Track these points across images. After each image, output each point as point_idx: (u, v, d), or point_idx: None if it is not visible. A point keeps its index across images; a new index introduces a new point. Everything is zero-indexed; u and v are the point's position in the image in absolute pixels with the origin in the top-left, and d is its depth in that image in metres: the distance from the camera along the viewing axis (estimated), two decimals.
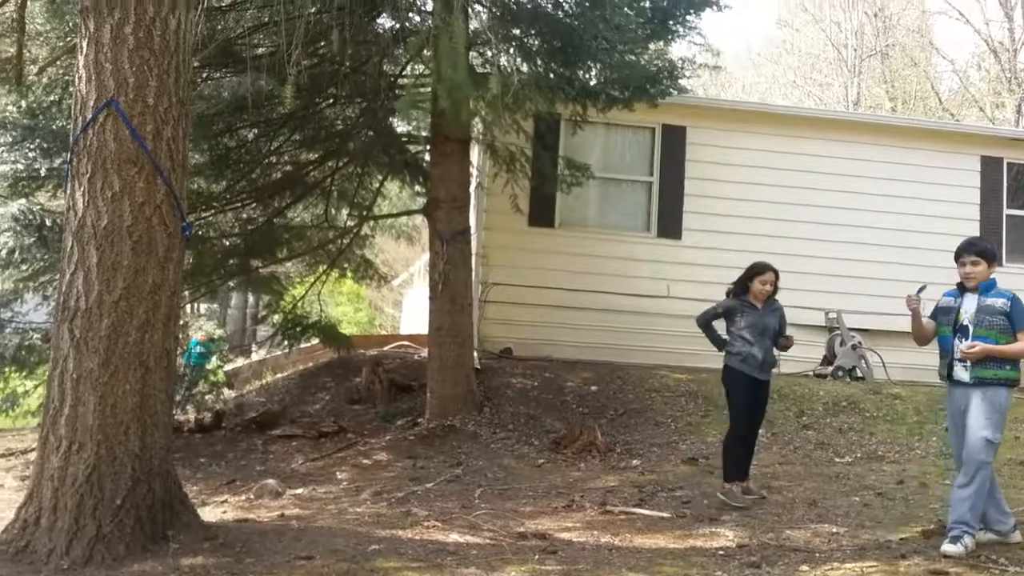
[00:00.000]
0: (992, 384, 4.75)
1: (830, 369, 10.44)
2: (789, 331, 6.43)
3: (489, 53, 7.79)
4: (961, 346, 4.81)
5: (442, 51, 6.17)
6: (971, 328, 4.83)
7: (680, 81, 9.25)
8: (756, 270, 6.28)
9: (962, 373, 4.86)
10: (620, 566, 4.57)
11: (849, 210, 11.07)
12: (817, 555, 4.80)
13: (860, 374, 10.42)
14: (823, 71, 28.70)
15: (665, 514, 5.92)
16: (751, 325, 6.13)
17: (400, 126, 9.66)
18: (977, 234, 10.83)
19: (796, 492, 6.41)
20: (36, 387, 8.44)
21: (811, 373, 10.46)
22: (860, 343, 10.49)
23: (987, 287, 4.87)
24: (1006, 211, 11.39)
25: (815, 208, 11.04)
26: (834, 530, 5.39)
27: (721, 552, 4.94)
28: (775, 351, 6.30)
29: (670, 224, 10.99)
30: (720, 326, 6.39)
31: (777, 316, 6.27)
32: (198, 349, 12.61)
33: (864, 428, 8.63)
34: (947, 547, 4.62)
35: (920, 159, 11.27)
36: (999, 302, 4.80)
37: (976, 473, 4.69)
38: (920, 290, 5.11)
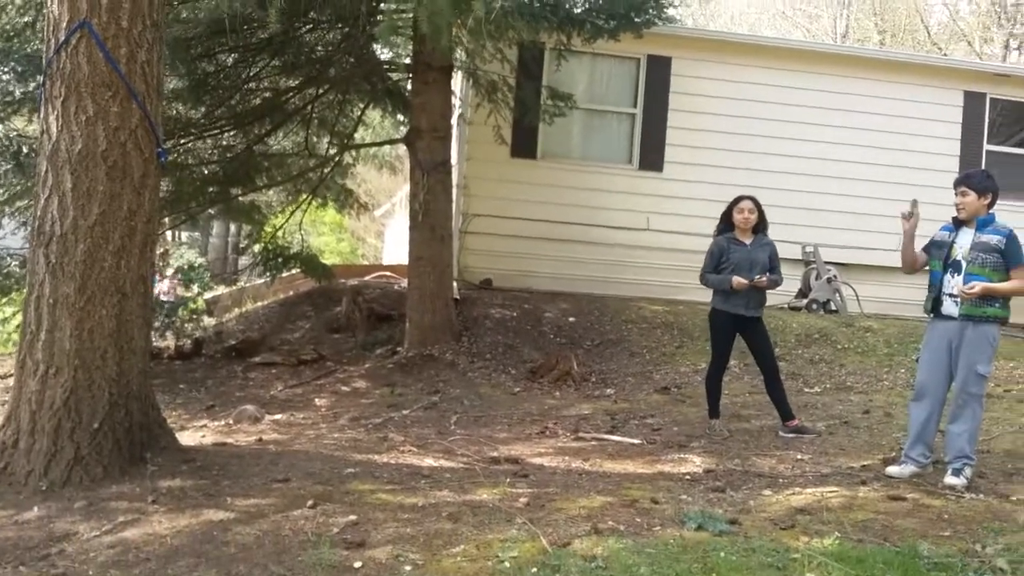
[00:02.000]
0: (982, 320, 4.77)
1: (804, 302, 10.59)
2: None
3: None
4: (961, 286, 4.76)
5: None
6: (964, 264, 4.80)
7: (667, 11, 9.16)
8: (733, 201, 6.33)
9: (951, 308, 4.85)
10: (589, 489, 4.70)
11: (830, 144, 11.10)
12: (780, 480, 4.96)
13: (834, 307, 10.58)
14: (813, 1, 28.30)
15: (635, 441, 6.08)
16: (738, 262, 6.16)
17: (382, 53, 9.54)
18: (956, 169, 10.91)
19: (764, 421, 6.58)
20: (15, 313, 8.46)
21: (786, 306, 10.60)
22: (835, 277, 10.62)
23: (984, 222, 4.82)
24: (986, 147, 11.44)
25: (797, 142, 11.05)
26: (799, 457, 5.55)
27: (688, 477, 5.09)
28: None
29: (652, 157, 10.99)
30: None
31: (767, 250, 6.28)
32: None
33: (835, 360, 8.81)
34: (950, 479, 4.72)
35: (903, 93, 11.25)
36: (994, 239, 4.75)
37: (968, 405, 4.77)
38: (913, 204, 5.04)
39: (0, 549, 3.77)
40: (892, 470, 5.01)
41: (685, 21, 20.83)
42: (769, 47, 11.46)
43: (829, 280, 10.60)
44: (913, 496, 4.53)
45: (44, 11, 5.37)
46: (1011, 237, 4.76)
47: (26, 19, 7.25)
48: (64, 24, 4.56)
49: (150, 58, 4.72)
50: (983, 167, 11.14)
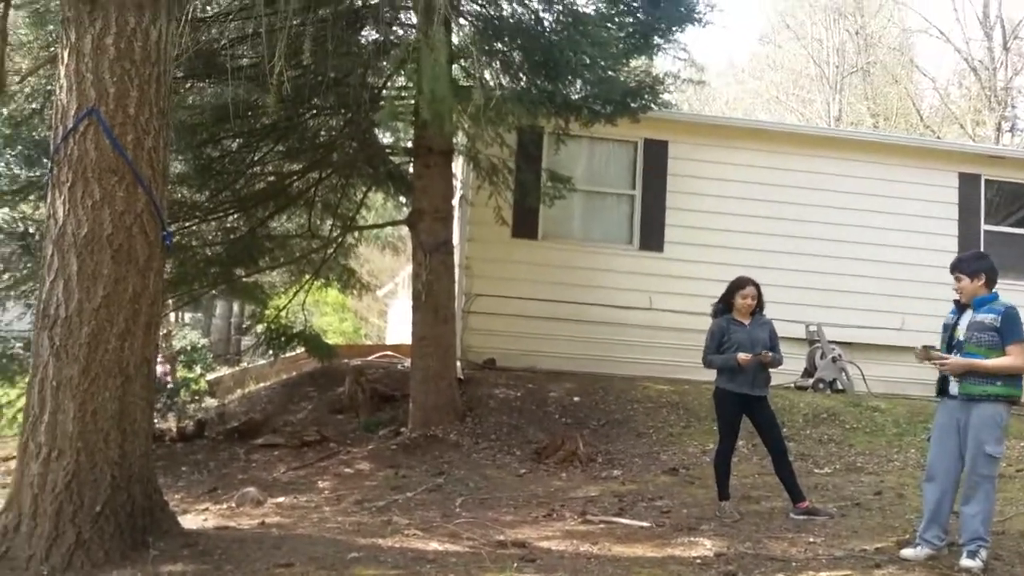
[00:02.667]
0: (983, 400, 4.76)
1: (811, 381, 10.53)
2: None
3: (472, 67, 7.86)
4: (942, 363, 4.84)
5: (424, 64, 6.22)
6: (964, 344, 4.85)
7: (662, 96, 9.38)
8: (737, 285, 6.34)
9: (954, 387, 4.88)
10: (598, 574, 4.60)
11: (830, 224, 11.19)
12: (793, 564, 4.86)
13: (840, 386, 10.52)
14: (805, 87, 28.98)
15: (645, 523, 5.96)
16: (740, 342, 6.15)
17: (384, 138, 9.71)
18: (955, 249, 11.00)
19: (775, 503, 6.46)
20: (19, 397, 8.41)
21: (792, 385, 10.54)
22: (840, 356, 10.59)
23: (981, 302, 4.88)
24: (984, 227, 11.53)
25: (796, 222, 11.15)
26: (811, 540, 5.44)
27: (699, 560, 4.98)
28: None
29: (652, 237, 11.08)
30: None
31: (767, 329, 6.29)
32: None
33: (844, 440, 8.70)
34: (965, 562, 4.66)
35: (899, 175, 11.41)
36: (989, 317, 4.80)
37: (980, 487, 4.72)
38: (922, 351, 5.07)
39: None
40: (907, 553, 4.93)
41: (681, 106, 21.27)
42: (764, 131, 11.70)
43: (834, 359, 10.57)
44: None
45: (52, 99, 5.50)
46: (1007, 315, 4.79)
47: (34, 106, 7.42)
48: (72, 111, 4.66)
49: (156, 144, 4.81)
50: (981, 247, 11.24)
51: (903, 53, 28.56)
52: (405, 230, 10.90)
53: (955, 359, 4.81)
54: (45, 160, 6.92)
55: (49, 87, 6.97)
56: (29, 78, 7.19)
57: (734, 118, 14.91)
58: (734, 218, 11.07)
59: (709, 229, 11.03)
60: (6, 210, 7.58)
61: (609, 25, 8.11)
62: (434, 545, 5.26)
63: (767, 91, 29.93)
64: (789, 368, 10.37)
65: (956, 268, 4.99)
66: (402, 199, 11.07)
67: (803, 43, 28.76)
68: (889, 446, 8.48)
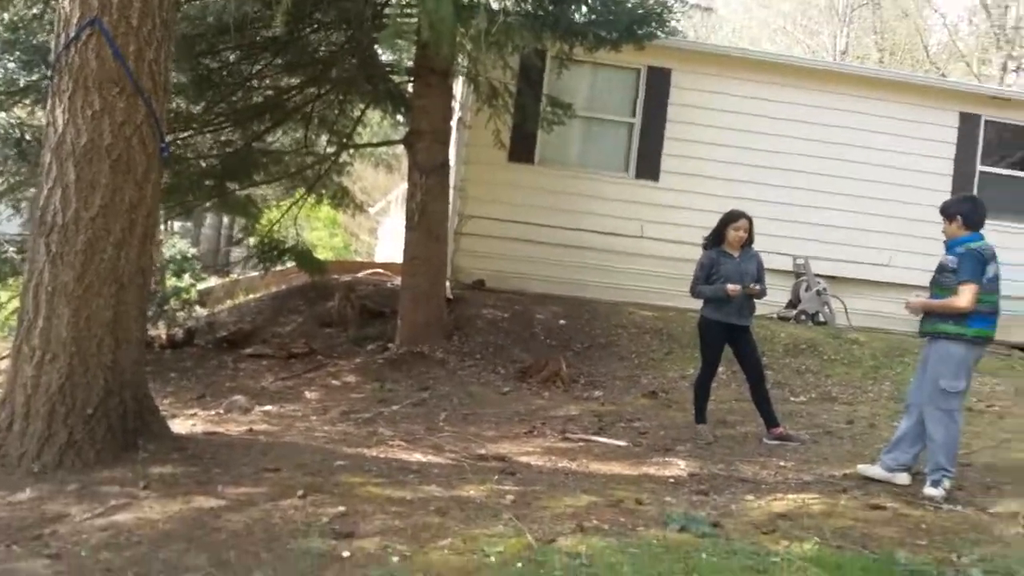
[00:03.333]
0: (938, 337, 4.98)
1: (794, 312, 10.70)
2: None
3: None
4: (908, 301, 5.13)
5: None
6: (930, 285, 5.10)
7: (669, 25, 9.26)
8: (730, 218, 6.42)
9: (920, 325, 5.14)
10: (574, 488, 4.80)
11: (825, 159, 11.20)
12: (763, 486, 5.06)
13: (823, 319, 10.69)
14: (814, 18, 28.50)
15: (622, 443, 6.18)
16: (728, 273, 6.28)
17: (384, 56, 9.61)
18: (949, 189, 11.07)
19: (749, 428, 6.67)
20: (11, 299, 8.51)
21: (775, 316, 10.70)
22: (825, 289, 10.74)
23: (953, 244, 5.02)
24: (979, 167, 11.55)
25: (792, 156, 11.15)
26: (782, 464, 5.65)
27: (672, 480, 5.19)
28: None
29: (649, 166, 11.09)
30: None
31: (754, 262, 6.42)
32: None
33: (821, 370, 8.90)
34: (928, 490, 4.86)
35: (899, 112, 11.37)
36: (950, 259, 4.97)
37: (939, 420, 4.92)
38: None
39: None
40: (862, 467, 5.26)
41: (687, 33, 20.93)
42: (768, 62, 11.58)
43: (818, 292, 10.71)
44: (893, 505, 4.63)
45: (51, 9, 5.45)
46: (963, 256, 4.90)
47: (33, 11, 7.33)
48: (75, 20, 4.65)
49: (158, 56, 4.81)
50: (975, 187, 11.30)
51: None
52: (399, 148, 10.87)
53: (913, 299, 5.09)
54: (43, 66, 6.88)
55: None
56: None
57: (739, 48, 14.66)
58: (731, 150, 11.07)
59: (706, 160, 11.04)
60: (2, 115, 7.55)
61: None
62: (417, 456, 5.45)
63: (774, 20, 29.45)
64: (773, 299, 10.58)
65: (940, 210, 5.13)
66: (400, 118, 11.01)
67: None
68: (865, 378, 8.69)
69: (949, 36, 27.45)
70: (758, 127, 11.11)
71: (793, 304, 10.88)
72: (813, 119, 11.22)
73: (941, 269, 5.02)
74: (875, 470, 5.17)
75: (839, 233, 11.21)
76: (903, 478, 5.09)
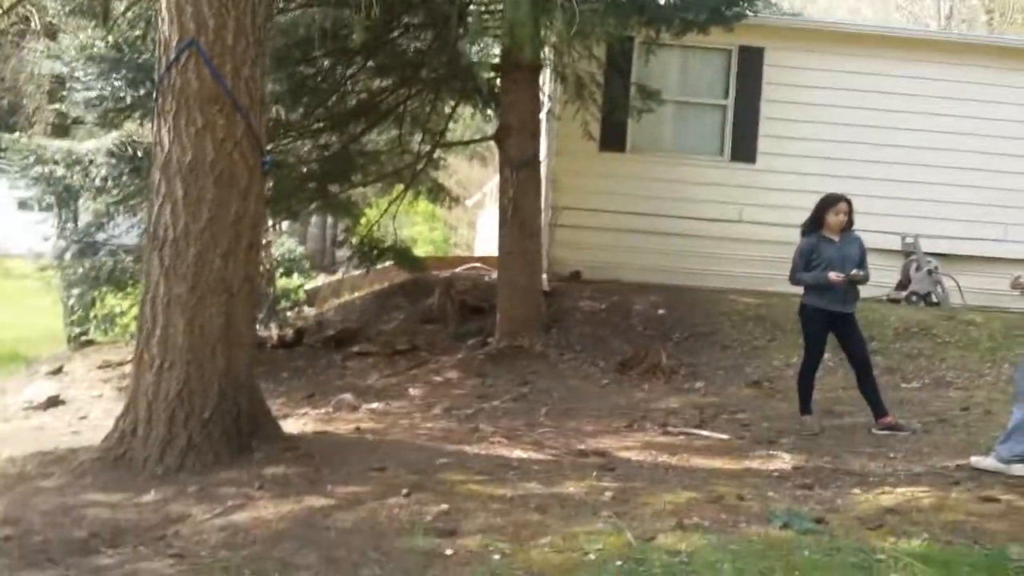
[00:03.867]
0: None
1: (904, 294, 10.34)
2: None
3: None
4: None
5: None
6: None
7: (757, 3, 9.05)
8: (828, 202, 6.22)
9: None
10: (675, 484, 4.78)
11: (930, 132, 10.75)
12: (871, 479, 4.92)
13: (935, 299, 10.30)
14: None
15: (724, 436, 6.11)
16: (830, 259, 6.10)
17: (472, 54, 9.71)
18: None
19: (857, 418, 6.49)
20: (131, 307, 8.98)
21: (885, 298, 10.37)
22: (936, 268, 10.34)
23: None
24: None
25: (894, 131, 10.74)
26: (891, 455, 5.48)
27: (776, 474, 5.10)
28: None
29: (744, 148, 10.87)
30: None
31: (856, 245, 6.22)
32: None
33: (935, 354, 8.58)
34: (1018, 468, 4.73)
35: (1005, 79, 10.79)
36: None
37: None
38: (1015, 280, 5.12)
39: (121, 530, 4.09)
40: (975, 459, 5.04)
41: (781, 5, 20.35)
42: (863, 34, 11.19)
43: (930, 272, 10.33)
44: (1007, 498, 4.45)
45: (153, 28, 5.71)
46: None
47: (137, 32, 7.70)
48: (174, 43, 4.89)
49: (253, 73, 5.01)
50: None
51: None
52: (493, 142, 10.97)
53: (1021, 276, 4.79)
54: (148, 82, 7.22)
55: (150, 13, 7.22)
56: (132, 5, 7.44)
57: (832, 22, 14.22)
58: (831, 127, 10.74)
59: (804, 139, 10.75)
60: (116, 133, 7.98)
61: None
62: (518, 452, 5.52)
63: None
64: (883, 280, 10.24)
65: None
66: (490, 112, 11.11)
67: None
68: (982, 361, 8.34)
69: None
70: (858, 102, 10.74)
71: (903, 285, 10.51)
72: (915, 91, 10.77)
73: None
74: (989, 462, 4.95)
75: (949, 208, 10.75)
76: (1019, 469, 4.87)
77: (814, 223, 6.26)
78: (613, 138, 10.56)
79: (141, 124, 8.76)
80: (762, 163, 10.82)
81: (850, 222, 6.23)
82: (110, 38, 7.70)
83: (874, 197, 10.17)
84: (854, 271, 6.05)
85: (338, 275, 14.92)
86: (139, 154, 7.77)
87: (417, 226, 26.88)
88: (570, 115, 9.55)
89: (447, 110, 10.80)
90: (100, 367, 9.67)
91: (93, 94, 8.00)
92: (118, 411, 5.27)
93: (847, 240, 6.22)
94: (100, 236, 8.91)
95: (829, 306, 6.14)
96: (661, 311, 9.61)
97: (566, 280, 10.48)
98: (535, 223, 9.02)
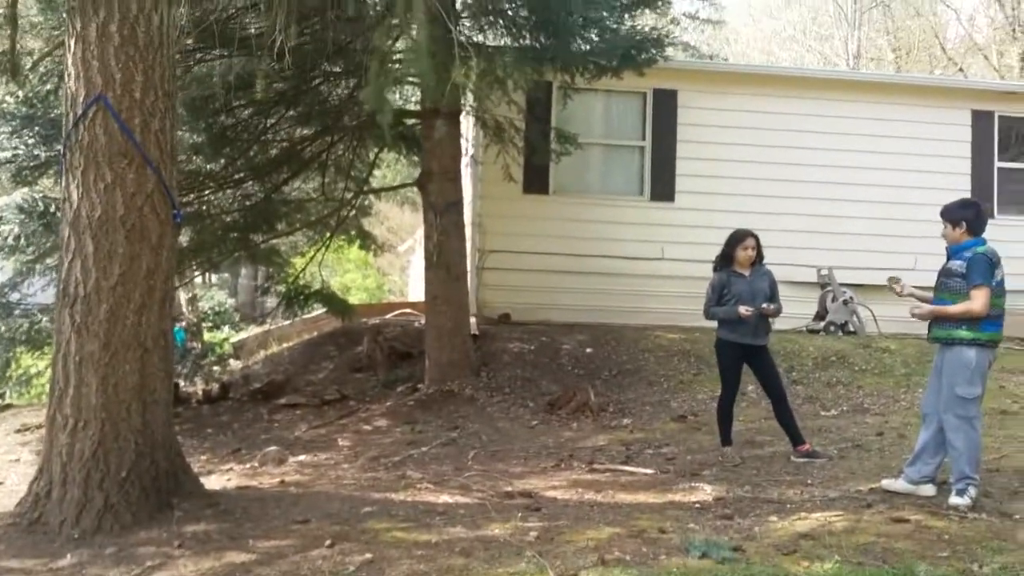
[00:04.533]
0: (951, 343, 4.96)
1: (822, 324, 10.64)
2: (781, 290, 6.52)
3: (475, 28, 7.94)
4: (913, 309, 5.08)
5: (410, 47, 6.29)
6: (935, 290, 5.10)
7: (668, 49, 9.36)
8: (736, 238, 6.43)
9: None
10: (598, 520, 4.83)
11: (841, 167, 11.21)
12: (788, 506, 5.05)
13: (852, 329, 10.62)
14: (824, 24, 28.43)
15: (649, 471, 6.19)
16: (740, 293, 6.28)
17: (394, 101, 9.79)
18: (968, 187, 11.00)
19: (778, 447, 6.63)
20: (47, 367, 8.74)
21: (804, 329, 10.66)
22: (852, 298, 10.68)
23: (957, 250, 5.03)
24: (997, 164, 11.49)
25: (806, 167, 11.18)
26: (808, 482, 5.63)
27: (697, 505, 5.20)
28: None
29: (663, 187, 11.16)
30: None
31: (766, 280, 6.40)
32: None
33: (852, 382, 8.86)
34: (954, 499, 4.82)
35: (910, 115, 11.37)
36: (956, 264, 4.97)
37: (958, 428, 4.89)
38: (890, 281, 5.42)
39: None
40: (885, 482, 5.22)
41: (700, 47, 20.99)
42: (772, 75, 11.69)
43: (845, 302, 10.66)
44: (916, 518, 4.61)
45: (63, 84, 5.67)
46: (972, 260, 4.91)
47: (48, 87, 7.61)
48: (81, 98, 4.86)
49: (163, 126, 5.00)
50: (995, 184, 11.22)
51: None
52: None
53: (923, 307, 5.05)
54: (61, 139, 7.11)
55: (62, 67, 7.13)
56: (42, 60, 7.36)
57: (741, 64, 14.82)
58: (744, 165, 11.12)
59: (720, 177, 11.10)
60: (25, 190, 7.83)
61: None
62: (444, 498, 5.52)
63: (784, 30, 29.44)
64: (800, 312, 10.54)
65: (941, 215, 5.13)
66: (415, 158, 11.20)
67: None
68: (897, 386, 8.63)
69: (965, 29, 27.24)
70: (769, 140, 11.15)
71: (821, 316, 10.82)
72: (825, 128, 11.24)
73: (948, 274, 5.00)
74: (900, 484, 5.14)
75: (862, 240, 11.17)
76: (928, 489, 5.06)
77: (724, 259, 6.46)
78: (536, 181, 10.74)
79: (56, 181, 8.62)
80: (681, 201, 11.12)
81: (759, 256, 6.43)
82: (20, 93, 7.59)
83: (790, 231, 10.55)
84: (764, 305, 6.24)
85: (266, 326, 14.74)
86: (52, 209, 7.64)
87: (350, 273, 26.73)
88: (492, 159, 9.70)
89: (370, 157, 10.85)
90: (18, 431, 9.34)
91: (6, 153, 7.88)
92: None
93: (757, 274, 6.41)
94: (14, 296, 8.71)
95: (741, 339, 6.31)
96: (589, 350, 9.73)
97: (495, 323, 10.55)
98: (461, 267, 9.10)
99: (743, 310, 6.16)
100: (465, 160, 10.25)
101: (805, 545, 4.20)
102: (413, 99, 10.32)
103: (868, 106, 11.34)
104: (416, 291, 21.38)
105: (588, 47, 8.28)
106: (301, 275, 11.05)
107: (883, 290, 10.79)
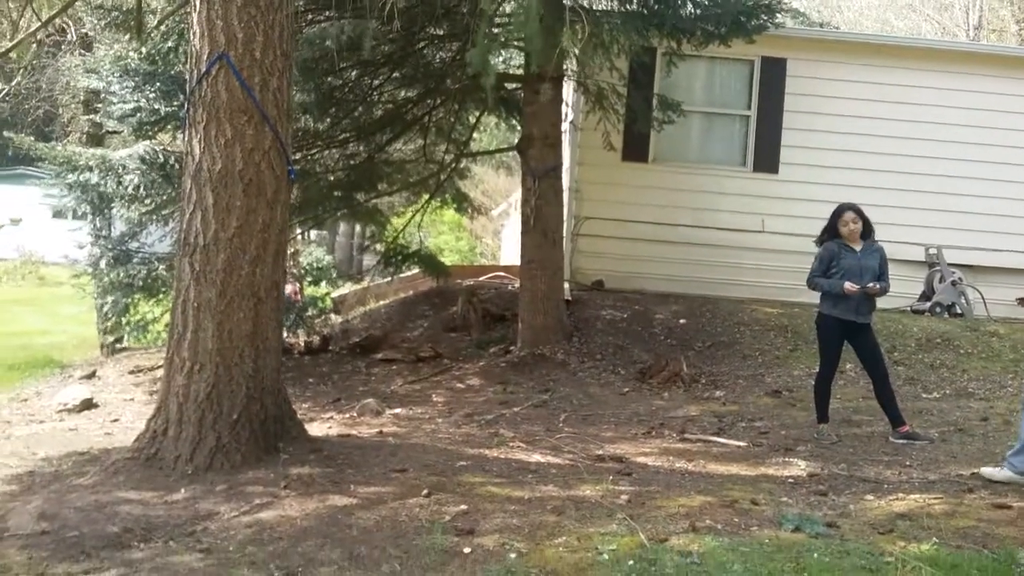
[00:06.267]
0: None
1: (928, 305, 10.33)
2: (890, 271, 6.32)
3: None
4: None
5: (519, 10, 6.30)
6: None
7: (778, 16, 9.12)
8: (837, 213, 6.24)
9: None
10: (690, 489, 4.86)
11: (954, 143, 10.77)
12: (885, 486, 4.97)
13: (959, 311, 10.28)
14: None
15: (742, 443, 6.16)
16: (849, 268, 6.11)
17: (494, 65, 9.83)
18: None
19: (876, 427, 6.52)
20: (163, 314, 9.20)
21: (908, 309, 10.36)
22: (960, 279, 10.33)
23: None
24: None
25: (917, 141, 10.77)
26: (907, 463, 5.53)
27: (791, 480, 5.16)
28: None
29: (767, 158, 10.93)
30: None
31: (877, 257, 6.20)
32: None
33: (957, 365, 8.59)
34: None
35: None
36: None
37: None
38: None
39: (152, 526, 4.23)
40: (986, 470, 5.04)
41: (810, 14, 20.30)
42: (884, 45, 11.23)
43: (954, 283, 10.31)
44: (1020, 504, 4.49)
45: (185, 40, 5.89)
46: None
47: (169, 44, 7.92)
48: (205, 56, 5.06)
49: (281, 85, 5.18)
50: None
51: None
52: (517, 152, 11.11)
53: None
54: (181, 95, 7.43)
55: (183, 26, 7.43)
56: (165, 19, 7.65)
57: (853, 33, 14.27)
58: (853, 137, 10.79)
59: (826, 149, 10.81)
60: (147, 143, 8.20)
61: None
62: (536, 457, 5.62)
63: None
64: (906, 291, 10.24)
65: None
66: (514, 122, 11.25)
67: None
68: (1004, 372, 8.33)
69: None
70: (881, 113, 10.78)
71: (927, 296, 10.51)
72: (939, 102, 10.80)
73: None
74: (1003, 473, 4.96)
75: (974, 219, 10.75)
76: None
77: (829, 233, 6.29)
78: (635, 149, 10.66)
79: (173, 136, 9.00)
80: (784, 173, 10.87)
81: (868, 230, 6.25)
82: (144, 50, 7.93)
83: (897, 207, 10.21)
84: (871, 284, 6.06)
85: (364, 283, 15.11)
86: (171, 162, 7.99)
87: (443, 235, 27.11)
88: (592, 125, 9.67)
89: (471, 120, 10.95)
90: (132, 372, 9.90)
91: (129, 107, 8.26)
92: (149, 414, 5.43)
93: (868, 250, 6.23)
94: (133, 245, 9.16)
95: (843, 315, 6.16)
96: (682, 320, 9.68)
97: (588, 289, 10.59)
98: (557, 232, 9.14)
99: (848, 286, 6.02)
100: (565, 126, 10.24)
101: (902, 525, 4.14)
102: (515, 63, 10.32)
103: (985, 80, 10.83)
104: (509, 255, 21.55)
105: (697, 12, 8.13)
106: (399, 235, 11.29)
107: (994, 271, 10.57)
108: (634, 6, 8.26)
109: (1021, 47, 19.44)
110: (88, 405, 7.99)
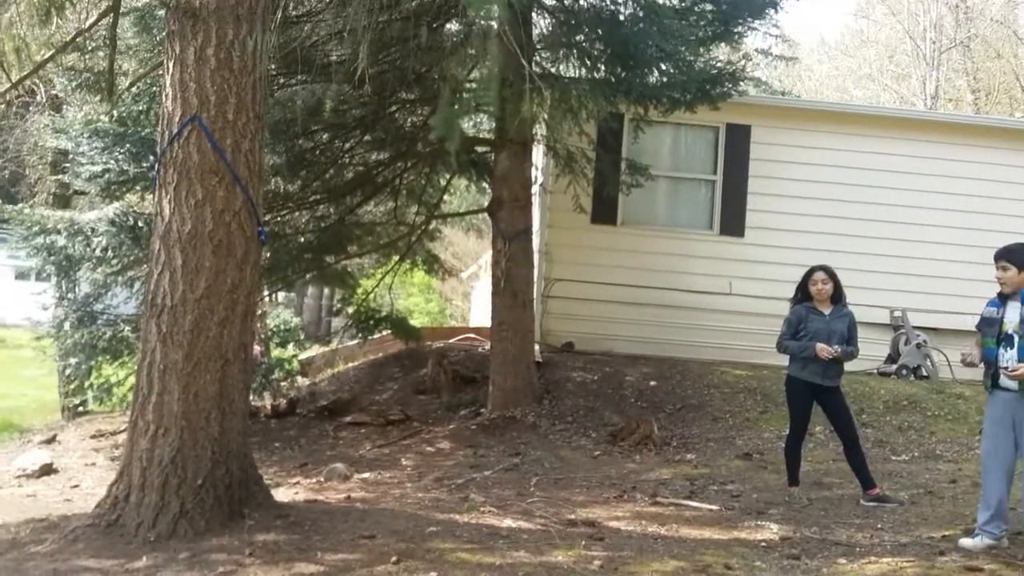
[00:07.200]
0: None
1: (894, 367, 10.43)
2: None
3: (551, 59, 8.06)
4: (1007, 367, 4.79)
5: (482, 77, 6.42)
6: (1016, 338, 4.82)
7: (743, 83, 9.36)
8: (807, 274, 6.35)
9: (1008, 381, 4.84)
10: (663, 554, 4.80)
11: (916, 208, 11.02)
12: (857, 550, 4.95)
13: (925, 373, 10.38)
14: (901, 63, 28.02)
15: (714, 507, 6.12)
16: (818, 331, 6.15)
17: (467, 128, 9.97)
18: None
19: (846, 490, 6.52)
20: (127, 376, 9.04)
21: (875, 371, 10.45)
22: (925, 342, 10.45)
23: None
24: None
25: (881, 206, 11.00)
26: (878, 526, 5.52)
27: (763, 544, 5.13)
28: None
29: (733, 222, 11.10)
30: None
31: (846, 321, 6.23)
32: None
33: (924, 427, 8.65)
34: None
35: (989, 157, 11.14)
36: None
37: None
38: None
39: None
40: (965, 542, 4.96)
41: (772, 83, 20.85)
42: (844, 113, 11.55)
43: (919, 345, 10.43)
44: (991, 567, 4.49)
45: (158, 99, 5.90)
46: None
47: (140, 107, 7.95)
48: (177, 118, 5.07)
49: (252, 147, 5.19)
50: None
51: (1007, 26, 27.31)
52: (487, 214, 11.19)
53: (1016, 366, 4.73)
54: (151, 156, 7.43)
55: (155, 89, 7.47)
56: (137, 81, 7.69)
57: (816, 101, 14.70)
58: (817, 202, 11.01)
59: (791, 214, 11.00)
60: (117, 204, 8.17)
61: (688, 15, 8.17)
62: (508, 522, 5.54)
63: (860, 68, 29.08)
64: (872, 354, 10.33)
65: (1004, 257, 4.94)
66: (484, 185, 11.36)
67: (898, 17, 27.78)
68: (971, 434, 8.38)
69: None
70: (843, 178, 11.03)
71: (893, 358, 10.61)
72: (900, 168, 11.08)
73: None
74: (982, 543, 4.86)
75: (937, 283, 10.93)
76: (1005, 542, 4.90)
77: (802, 295, 6.36)
78: (604, 211, 10.79)
79: (142, 196, 8.97)
80: (750, 237, 11.03)
81: (838, 294, 6.30)
82: (114, 113, 7.95)
83: (862, 271, 10.37)
84: (836, 347, 6.11)
85: (332, 345, 14.98)
86: (139, 224, 7.95)
87: (413, 297, 27.08)
88: (562, 188, 9.78)
89: (442, 183, 11.04)
90: (93, 436, 9.68)
91: (97, 168, 8.23)
92: (110, 480, 5.28)
93: (838, 314, 6.27)
94: (99, 306, 9.03)
95: (810, 378, 6.20)
96: (653, 382, 9.68)
97: (558, 351, 10.58)
98: (527, 294, 9.17)
99: (820, 348, 6.05)
100: (535, 188, 10.35)
101: None
102: (486, 127, 10.46)
103: (945, 147, 11.15)
104: (479, 317, 21.54)
105: (663, 80, 8.31)
106: (369, 298, 11.25)
107: (957, 334, 10.72)
108: (602, 73, 8.43)
109: (977, 115, 20.09)
110: (48, 470, 7.78)
